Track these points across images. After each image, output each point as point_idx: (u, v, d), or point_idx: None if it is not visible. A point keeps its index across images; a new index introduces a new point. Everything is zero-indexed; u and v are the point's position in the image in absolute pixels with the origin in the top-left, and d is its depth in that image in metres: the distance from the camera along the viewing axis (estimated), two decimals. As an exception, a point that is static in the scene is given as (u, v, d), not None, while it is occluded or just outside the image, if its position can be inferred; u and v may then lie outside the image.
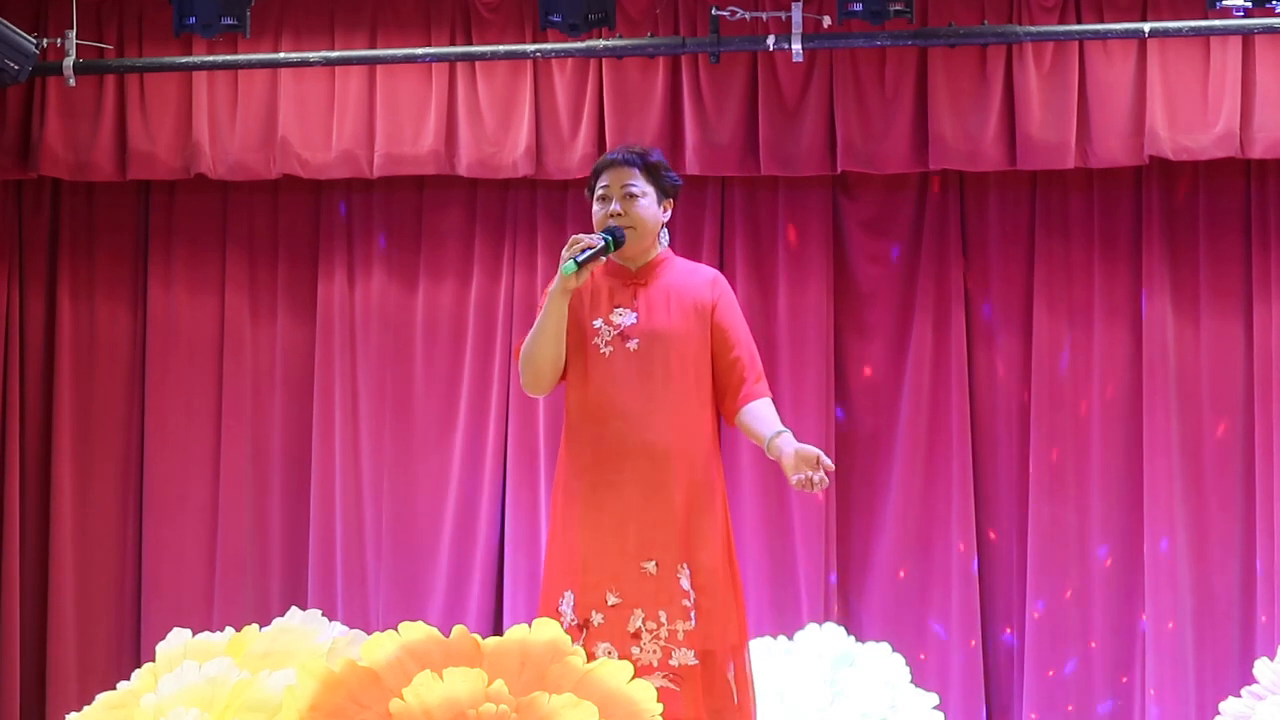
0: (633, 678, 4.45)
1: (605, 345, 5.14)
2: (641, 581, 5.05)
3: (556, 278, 5.05)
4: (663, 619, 5.04)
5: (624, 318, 5.16)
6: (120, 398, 8.29)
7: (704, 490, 5.14)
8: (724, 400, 5.20)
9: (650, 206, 5.18)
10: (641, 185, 5.17)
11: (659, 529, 5.07)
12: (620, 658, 4.97)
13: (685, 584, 5.07)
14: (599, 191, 5.19)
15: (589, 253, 5.03)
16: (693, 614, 5.06)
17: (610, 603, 5.05)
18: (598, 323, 5.16)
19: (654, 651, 5.03)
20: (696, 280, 5.24)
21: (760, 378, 5.19)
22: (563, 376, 5.19)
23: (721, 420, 5.25)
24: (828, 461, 4.97)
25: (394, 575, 8.03)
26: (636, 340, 5.13)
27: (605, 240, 5.08)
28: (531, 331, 5.15)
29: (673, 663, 5.03)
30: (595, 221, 5.18)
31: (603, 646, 5.01)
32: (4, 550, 8.12)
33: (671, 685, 5.01)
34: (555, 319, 5.10)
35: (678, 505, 5.08)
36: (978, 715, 7.73)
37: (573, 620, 5.05)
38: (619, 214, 5.14)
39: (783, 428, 5.10)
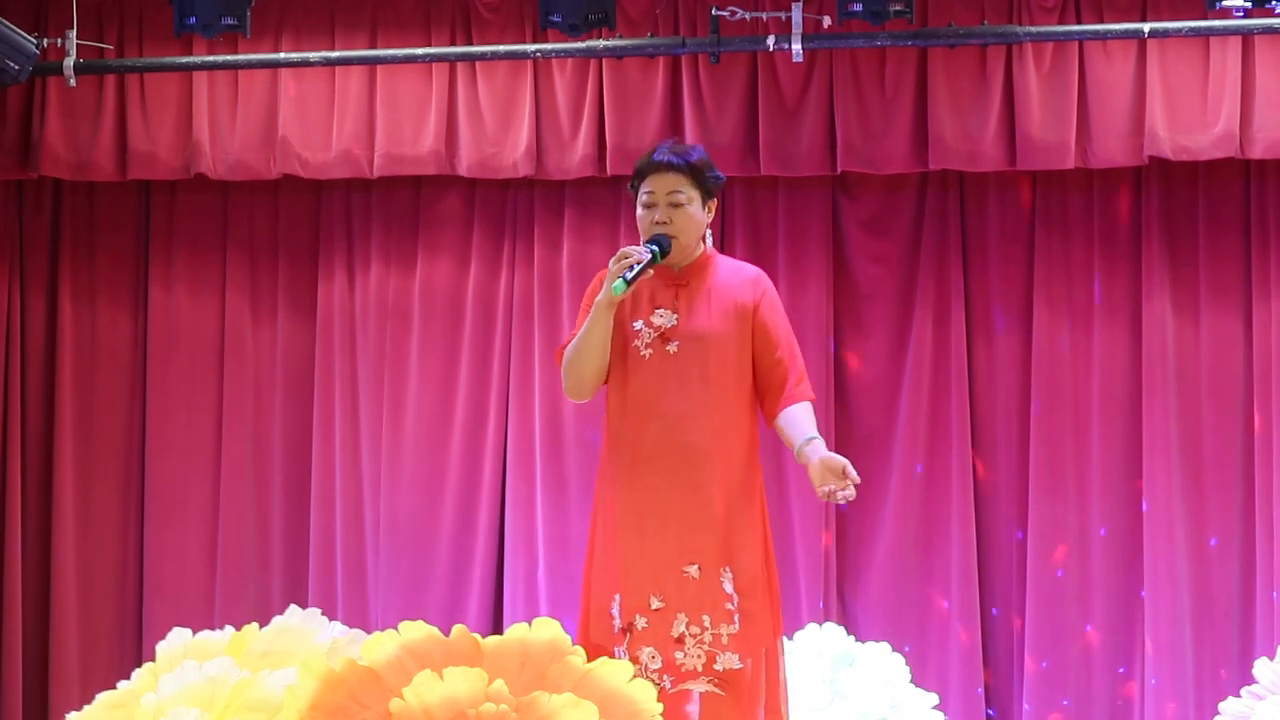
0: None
1: (645, 348, 5.12)
2: (684, 585, 5.04)
3: (603, 291, 5.03)
4: (706, 623, 5.02)
5: (664, 319, 5.14)
6: (121, 398, 8.29)
7: (743, 492, 5.11)
8: (765, 400, 5.19)
9: (695, 212, 5.15)
10: (687, 191, 5.13)
11: (700, 533, 5.05)
12: (664, 662, 4.97)
13: (728, 587, 5.05)
14: (643, 198, 5.15)
15: (637, 269, 5.01)
16: (736, 617, 5.04)
17: (654, 606, 5.03)
18: (638, 324, 5.14)
19: (698, 656, 5.01)
20: (739, 280, 5.21)
21: (802, 379, 5.17)
22: (605, 379, 5.18)
23: (761, 420, 5.23)
24: (854, 474, 4.96)
25: (394, 575, 8.03)
26: (677, 343, 5.11)
27: (652, 252, 5.06)
28: (576, 340, 5.13)
29: (717, 667, 5.02)
30: (641, 228, 5.15)
31: (647, 651, 4.99)
32: (6, 550, 8.12)
33: (717, 690, 5.00)
34: (601, 331, 5.09)
35: (718, 508, 5.06)
36: (977, 715, 7.73)
37: (619, 624, 5.04)
38: (664, 222, 5.12)
39: (815, 434, 5.08)
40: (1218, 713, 6.73)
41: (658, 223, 5.13)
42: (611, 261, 5.04)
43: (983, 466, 7.87)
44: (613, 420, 5.16)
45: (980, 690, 7.76)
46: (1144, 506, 7.69)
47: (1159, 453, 7.68)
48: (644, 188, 5.15)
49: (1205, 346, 7.72)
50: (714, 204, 5.21)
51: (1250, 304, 7.71)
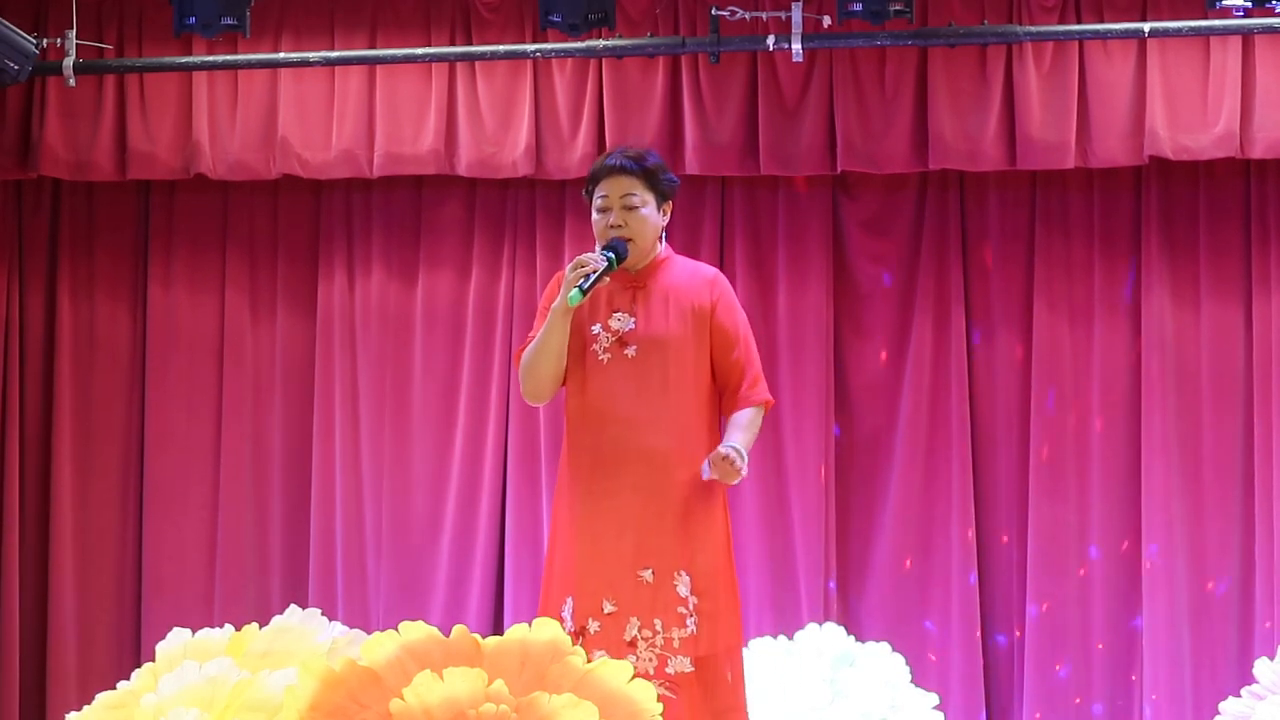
0: (632, 678, 4.45)
1: (604, 352, 5.15)
2: (638, 590, 5.06)
3: (559, 298, 5.05)
4: (658, 627, 5.05)
5: (623, 323, 5.16)
6: (120, 397, 8.29)
7: (703, 495, 5.14)
8: (724, 399, 5.23)
9: (650, 215, 5.19)
10: (640, 194, 5.17)
11: (656, 536, 5.08)
12: None
13: (683, 591, 5.08)
14: (598, 201, 5.19)
15: (593, 277, 5.04)
16: (689, 620, 5.06)
17: (606, 610, 5.06)
18: (596, 328, 5.16)
19: (650, 660, 5.04)
20: (696, 281, 5.24)
21: (757, 380, 5.21)
22: (563, 382, 5.20)
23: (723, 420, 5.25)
24: (733, 455, 4.98)
25: (394, 575, 8.03)
26: (635, 347, 5.14)
27: (608, 259, 5.09)
28: (532, 345, 5.16)
29: (669, 670, 5.04)
30: (596, 231, 5.19)
31: (599, 654, 5.00)
32: (4, 549, 8.12)
33: (668, 693, 5.01)
34: (558, 337, 5.12)
35: (676, 511, 5.09)
36: (977, 715, 7.73)
37: (570, 627, 5.06)
38: (619, 226, 5.14)
39: (731, 443, 5.08)
40: (1217, 713, 6.73)
41: (613, 226, 5.15)
42: (568, 269, 5.07)
43: (983, 466, 7.87)
44: (572, 424, 5.19)
45: (980, 690, 7.76)
46: (1144, 506, 7.69)
47: (1159, 452, 7.68)
48: (598, 191, 5.19)
49: (1205, 346, 7.72)
50: (669, 206, 5.25)
51: (1250, 303, 7.71)
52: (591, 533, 5.09)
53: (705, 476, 5.06)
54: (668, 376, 5.13)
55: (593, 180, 5.22)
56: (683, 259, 5.35)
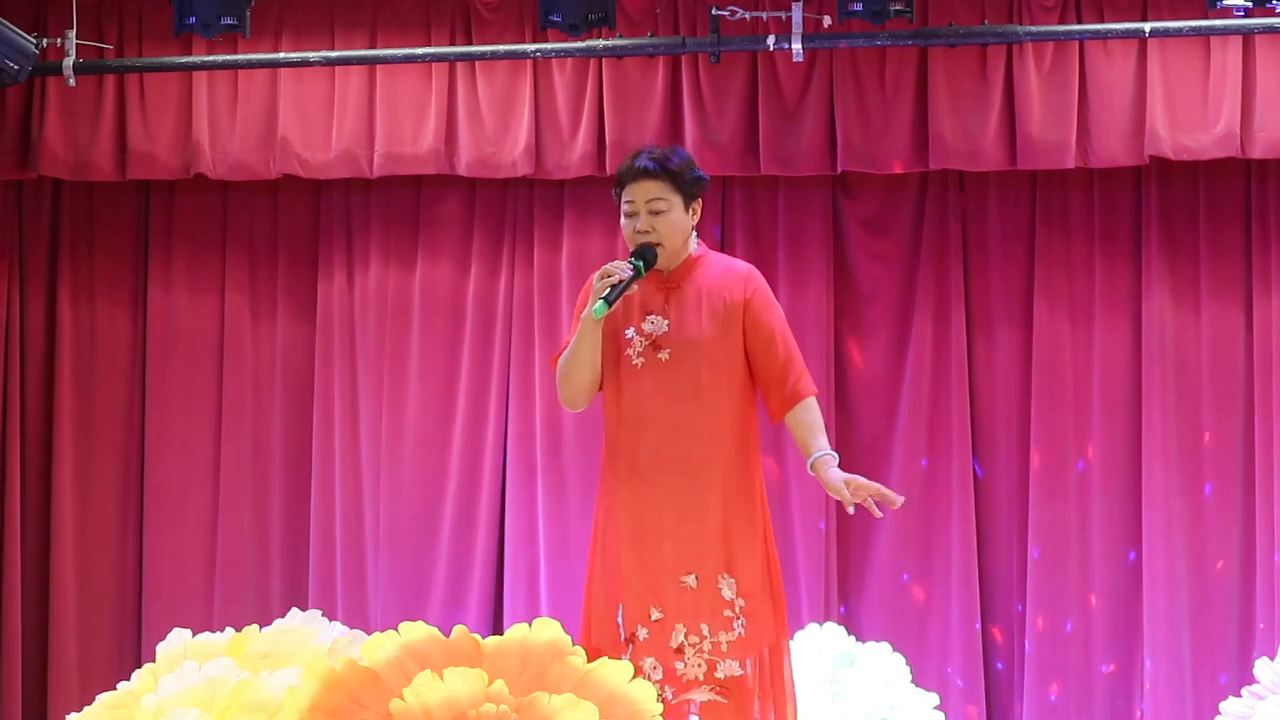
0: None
1: (637, 357, 5.11)
2: (681, 595, 5.04)
3: (587, 309, 5.04)
4: (705, 632, 5.03)
5: (655, 326, 5.12)
6: (120, 398, 8.29)
7: (743, 497, 5.11)
8: (768, 398, 5.18)
9: (678, 218, 5.12)
10: (667, 198, 5.11)
11: (697, 542, 5.05)
12: (665, 672, 4.98)
13: (728, 594, 5.05)
14: (625, 207, 5.14)
15: (619, 287, 5.01)
16: (736, 623, 5.04)
17: (653, 618, 5.04)
18: (630, 332, 5.12)
19: (698, 665, 5.02)
20: (730, 278, 5.18)
21: (803, 373, 5.16)
22: (599, 388, 5.17)
23: (761, 418, 5.22)
24: (892, 496, 5.06)
25: (394, 575, 8.03)
26: (668, 350, 5.10)
27: (635, 267, 5.05)
28: (566, 353, 5.13)
29: (718, 675, 5.02)
30: (625, 236, 5.15)
31: (648, 661, 5.00)
32: (5, 550, 8.12)
33: (719, 698, 5.00)
34: (590, 345, 5.09)
35: (715, 516, 5.06)
36: (978, 715, 7.73)
37: (624, 634, 5.04)
38: (647, 231, 5.10)
39: (829, 449, 5.11)
40: (1218, 713, 6.73)
41: (640, 231, 5.11)
42: (595, 278, 5.04)
43: (983, 466, 7.87)
44: (610, 429, 5.16)
45: (980, 690, 7.76)
46: (1144, 505, 7.69)
47: (1159, 451, 7.68)
48: (625, 196, 5.14)
49: (1206, 346, 7.72)
50: (698, 205, 5.18)
51: (1251, 303, 7.71)
52: (634, 539, 5.07)
53: (852, 508, 5.07)
54: (702, 379, 5.08)
55: (619, 184, 5.17)
56: (717, 255, 5.29)
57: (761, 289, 5.19)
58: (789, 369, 5.14)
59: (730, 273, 5.20)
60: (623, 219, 5.15)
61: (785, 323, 5.22)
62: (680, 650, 5.01)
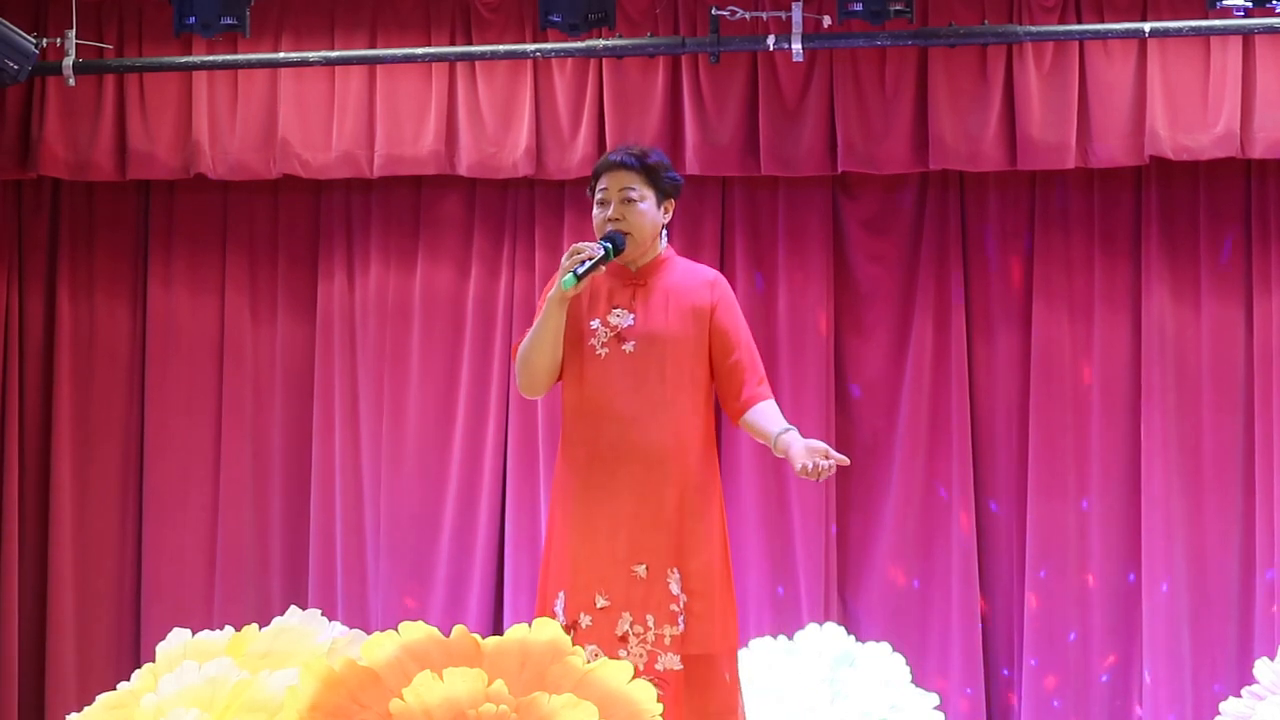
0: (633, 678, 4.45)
1: (601, 347, 5.15)
2: (631, 585, 5.06)
3: (555, 286, 5.06)
4: (650, 623, 5.05)
5: (621, 319, 5.16)
6: (120, 397, 8.29)
7: (699, 494, 5.14)
8: (726, 403, 5.23)
9: (649, 210, 5.18)
10: (640, 189, 5.17)
11: (651, 532, 5.08)
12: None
13: (675, 589, 5.08)
14: (598, 195, 5.20)
15: (588, 264, 5.04)
16: (681, 619, 5.07)
17: (599, 605, 5.07)
18: (594, 323, 5.16)
19: (640, 655, 5.04)
20: (696, 282, 5.24)
21: (762, 380, 5.20)
22: (559, 376, 5.20)
23: (721, 422, 5.25)
24: (839, 456, 4.99)
25: (394, 575, 8.03)
26: (633, 342, 5.14)
27: (605, 249, 5.09)
28: (528, 335, 5.17)
29: (658, 667, 5.05)
30: (595, 225, 5.20)
31: (590, 649, 5.01)
32: (3, 550, 8.11)
33: (656, 689, 5.01)
34: (553, 326, 5.12)
35: (670, 509, 5.09)
36: (978, 714, 7.73)
37: (563, 621, 5.06)
38: (617, 219, 5.15)
39: (788, 425, 5.12)
40: (1218, 713, 6.73)
41: (610, 219, 5.15)
42: (564, 257, 5.07)
43: (983, 466, 7.87)
44: (568, 419, 5.19)
45: (981, 690, 7.76)
46: (1144, 505, 7.69)
47: (1159, 450, 7.68)
48: (599, 185, 5.21)
49: (1206, 346, 7.72)
50: (671, 204, 5.24)
51: (1251, 303, 7.71)
52: (586, 527, 5.10)
53: (799, 467, 5.00)
54: (665, 373, 5.12)
55: (595, 176, 5.24)
56: (684, 260, 5.34)
57: (727, 296, 5.25)
58: (750, 374, 5.19)
59: (697, 276, 5.26)
60: (595, 209, 5.20)
61: (748, 331, 5.27)
62: (625, 639, 5.05)
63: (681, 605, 5.08)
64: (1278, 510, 7.58)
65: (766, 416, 5.15)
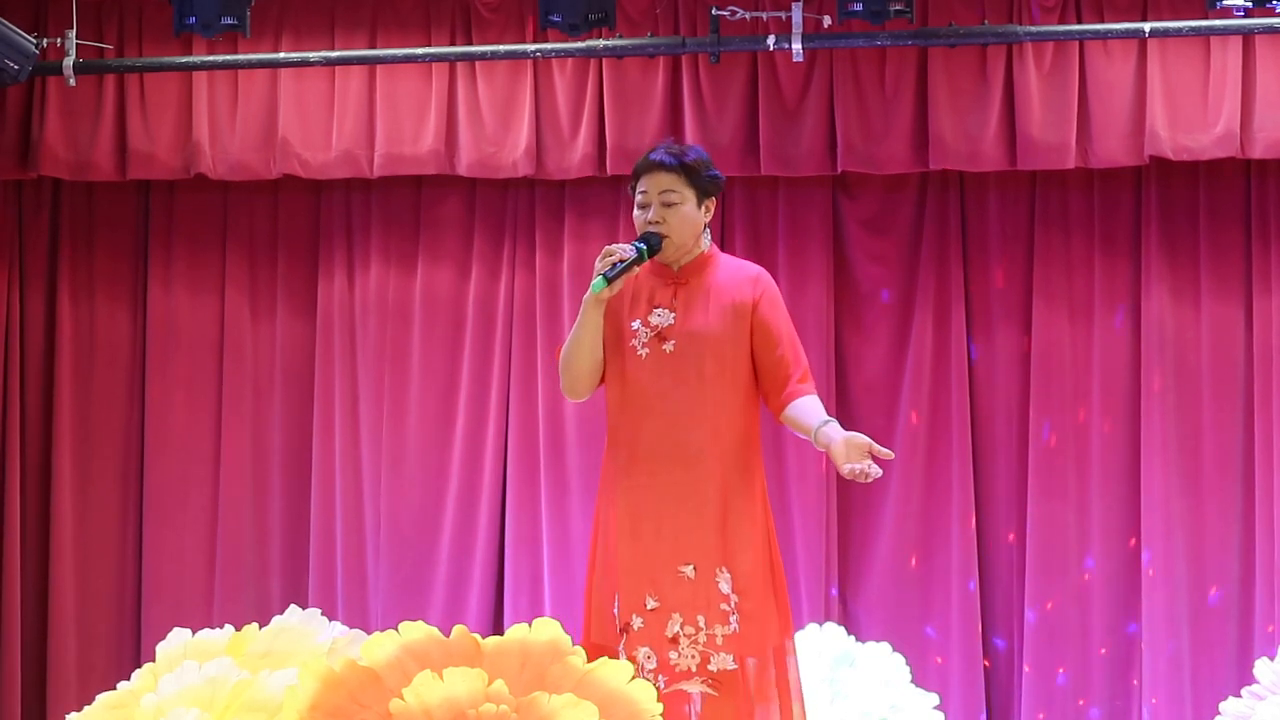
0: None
1: (642, 347, 5.11)
2: (679, 585, 5.03)
3: (590, 289, 5.05)
4: (701, 623, 5.02)
5: (662, 319, 5.13)
6: (120, 397, 8.29)
7: (742, 492, 5.10)
8: (769, 398, 5.17)
9: (689, 212, 5.13)
10: (680, 190, 5.11)
11: (696, 533, 5.04)
12: (659, 662, 4.97)
13: (725, 588, 5.04)
14: (638, 197, 5.15)
15: (619, 267, 5.02)
16: (732, 618, 5.03)
17: (649, 606, 5.03)
18: (635, 324, 5.13)
19: (692, 656, 5.01)
20: (739, 278, 5.19)
21: (806, 376, 5.15)
22: (601, 379, 5.18)
23: (763, 419, 5.21)
24: (883, 451, 4.93)
25: (394, 575, 8.03)
26: (673, 342, 5.10)
27: (638, 250, 5.06)
28: (568, 339, 5.14)
29: (711, 667, 5.01)
30: (636, 227, 5.16)
31: (642, 651, 4.99)
32: (4, 550, 8.12)
33: (710, 690, 4.99)
34: (590, 329, 5.10)
35: (714, 508, 5.05)
36: (977, 715, 7.73)
37: (617, 625, 5.04)
38: (658, 222, 5.11)
39: (828, 417, 5.05)
40: (1218, 713, 6.73)
41: (651, 222, 5.13)
42: (597, 259, 5.05)
43: (983, 466, 7.87)
44: (612, 419, 5.16)
45: (981, 690, 7.76)
46: (1143, 506, 7.69)
47: (1159, 451, 7.68)
48: (639, 187, 5.17)
49: (1206, 346, 7.72)
50: (712, 203, 5.19)
51: (1251, 303, 7.71)
52: (632, 529, 5.06)
53: (846, 471, 4.94)
54: (705, 372, 5.08)
55: (635, 176, 5.18)
56: (727, 257, 5.29)
57: (770, 291, 5.20)
58: (794, 369, 5.14)
59: (740, 272, 5.22)
60: (635, 210, 5.16)
61: (792, 326, 5.23)
62: (675, 640, 5.01)
63: (733, 605, 5.04)
64: (1278, 510, 7.58)
65: (807, 411, 5.09)
